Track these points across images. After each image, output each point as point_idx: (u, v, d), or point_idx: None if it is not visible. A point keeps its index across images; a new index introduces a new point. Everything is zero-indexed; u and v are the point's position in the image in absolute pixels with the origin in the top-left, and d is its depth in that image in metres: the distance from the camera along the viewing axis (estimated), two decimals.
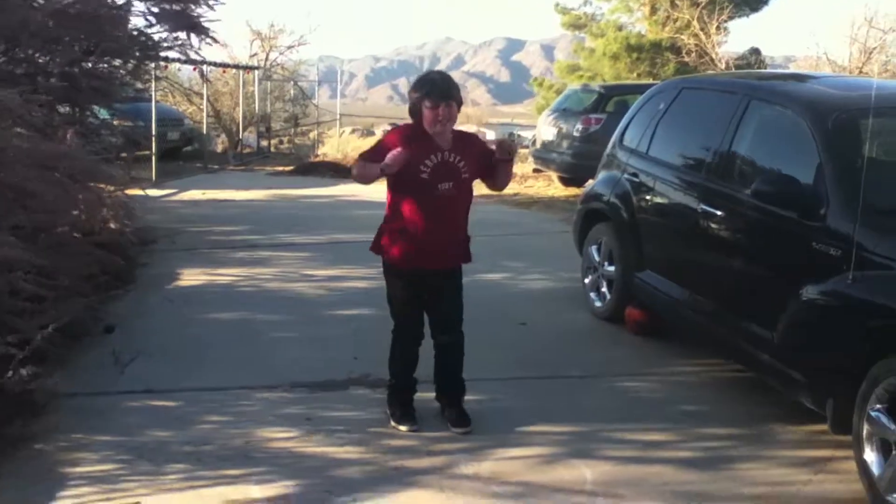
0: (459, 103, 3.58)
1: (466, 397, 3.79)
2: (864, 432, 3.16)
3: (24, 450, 3.38)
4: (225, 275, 6.50)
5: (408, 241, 3.58)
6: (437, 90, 3.52)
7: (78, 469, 3.24)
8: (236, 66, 17.45)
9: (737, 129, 4.37)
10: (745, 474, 3.37)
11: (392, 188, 3.63)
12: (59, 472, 3.22)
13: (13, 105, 4.15)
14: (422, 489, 3.17)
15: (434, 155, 3.54)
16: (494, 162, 3.66)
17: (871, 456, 3.13)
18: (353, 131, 18.31)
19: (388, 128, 19.48)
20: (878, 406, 3.10)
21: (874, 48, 13.82)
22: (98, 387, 4.10)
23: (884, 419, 3.08)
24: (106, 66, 7.01)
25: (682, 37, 18.33)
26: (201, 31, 7.18)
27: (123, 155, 9.49)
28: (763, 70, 15.61)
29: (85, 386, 4.09)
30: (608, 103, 11.37)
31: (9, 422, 3.53)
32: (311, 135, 20.52)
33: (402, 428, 3.66)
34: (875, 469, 3.10)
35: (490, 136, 20.70)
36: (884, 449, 3.10)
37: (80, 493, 3.07)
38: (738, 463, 3.47)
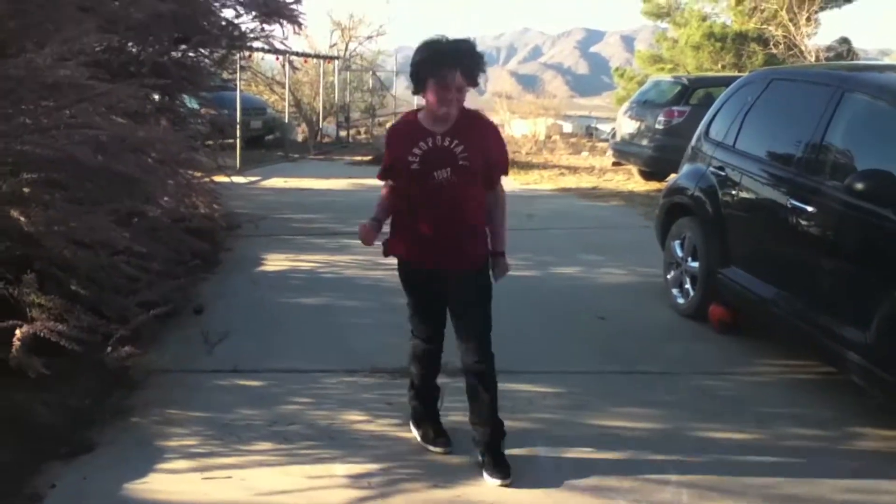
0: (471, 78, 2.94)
1: (545, 389, 3.75)
2: None
3: (122, 421, 3.57)
4: (307, 260, 6.66)
5: (410, 237, 3.18)
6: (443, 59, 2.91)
7: (171, 443, 3.40)
8: (317, 56, 17.79)
9: (829, 121, 4.22)
10: (834, 480, 3.26)
11: (394, 183, 3.24)
12: (155, 444, 3.38)
13: (123, 96, 4.35)
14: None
15: (425, 141, 3.06)
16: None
17: None
18: None
19: None
20: None
21: None
22: (189, 365, 4.27)
23: None
24: (194, 55, 7.25)
25: (770, 28, 17.69)
26: (291, 19, 7.34)
27: (209, 142, 9.80)
28: (856, 62, 14.97)
29: (176, 363, 4.27)
30: (692, 95, 11.12)
31: (108, 394, 3.74)
32: (389, 125, 20.72)
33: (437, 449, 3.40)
34: None
35: (567, 128, 20.47)
36: None
37: (175, 468, 3.20)
38: (826, 468, 3.36)
